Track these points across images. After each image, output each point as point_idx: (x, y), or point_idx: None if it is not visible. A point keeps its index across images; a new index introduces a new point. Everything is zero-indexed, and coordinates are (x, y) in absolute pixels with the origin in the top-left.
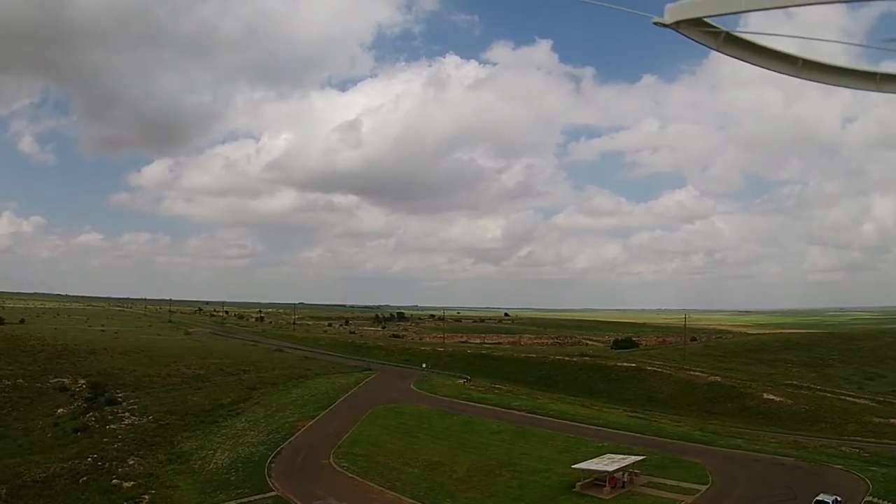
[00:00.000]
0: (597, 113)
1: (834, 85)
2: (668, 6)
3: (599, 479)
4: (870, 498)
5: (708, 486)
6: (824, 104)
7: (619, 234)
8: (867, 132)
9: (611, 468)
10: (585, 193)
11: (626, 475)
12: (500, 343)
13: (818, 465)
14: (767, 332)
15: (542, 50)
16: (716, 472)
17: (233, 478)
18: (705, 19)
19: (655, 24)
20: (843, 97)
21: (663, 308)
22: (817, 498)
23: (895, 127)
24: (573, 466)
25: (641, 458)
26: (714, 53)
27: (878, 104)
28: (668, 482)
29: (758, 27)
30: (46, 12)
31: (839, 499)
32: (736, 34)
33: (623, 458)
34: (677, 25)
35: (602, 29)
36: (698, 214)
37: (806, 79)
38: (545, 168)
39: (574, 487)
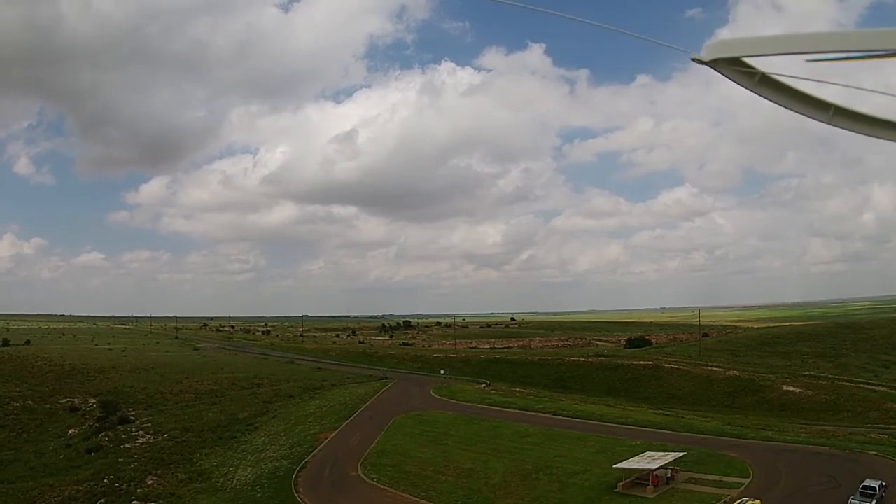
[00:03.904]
0: (593, 115)
1: (867, 135)
2: (707, 45)
3: (641, 478)
4: None
5: (751, 479)
6: (817, 94)
7: (620, 234)
8: None
9: (653, 466)
10: (584, 195)
11: (668, 472)
12: (510, 347)
13: (853, 452)
14: (776, 325)
15: (536, 54)
16: (755, 464)
17: (259, 495)
18: (742, 59)
19: (693, 60)
20: (833, 87)
21: (667, 307)
22: (864, 484)
23: (887, 113)
24: (614, 466)
25: (682, 454)
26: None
27: (873, 92)
28: (710, 477)
29: (794, 71)
30: (40, 34)
31: (884, 483)
32: (771, 76)
33: (664, 456)
34: (715, 63)
35: (595, 32)
36: (698, 212)
37: (837, 126)
38: (543, 172)
39: (616, 488)
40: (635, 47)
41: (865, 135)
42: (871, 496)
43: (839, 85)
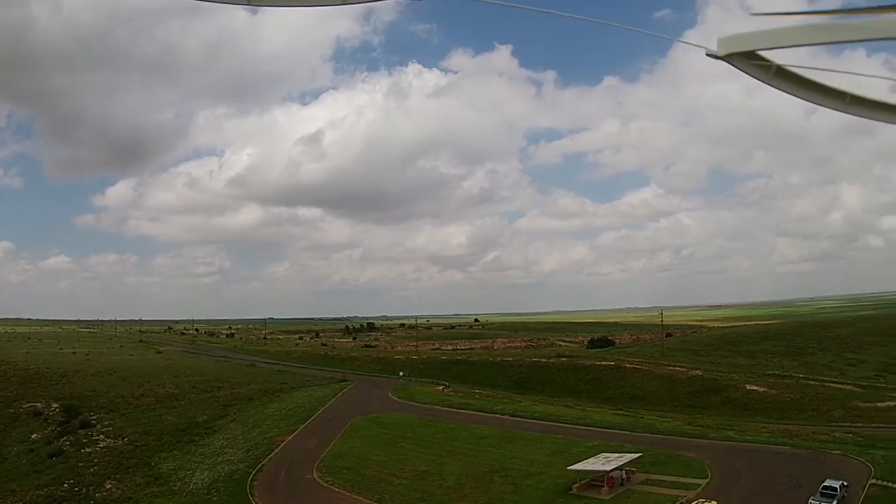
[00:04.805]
0: (559, 116)
1: (883, 121)
2: (720, 39)
3: (596, 480)
4: (874, 480)
5: (708, 480)
6: (787, 95)
7: (585, 235)
8: (832, 121)
9: (608, 467)
10: (550, 196)
11: (623, 474)
12: (473, 348)
13: (816, 451)
14: (741, 324)
15: (503, 56)
16: (714, 465)
17: (214, 498)
18: (757, 52)
19: (708, 55)
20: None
21: (632, 307)
22: (825, 484)
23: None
24: (569, 468)
25: (638, 455)
26: (673, 51)
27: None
28: (667, 478)
29: (809, 62)
30: (10, 36)
31: (846, 483)
32: (787, 68)
33: (619, 457)
34: (730, 58)
35: (562, 33)
36: (664, 212)
37: (854, 114)
38: (509, 173)
39: (571, 489)
40: (602, 48)
41: (882, 121)
42: (832, 496)
43: (851, 74)
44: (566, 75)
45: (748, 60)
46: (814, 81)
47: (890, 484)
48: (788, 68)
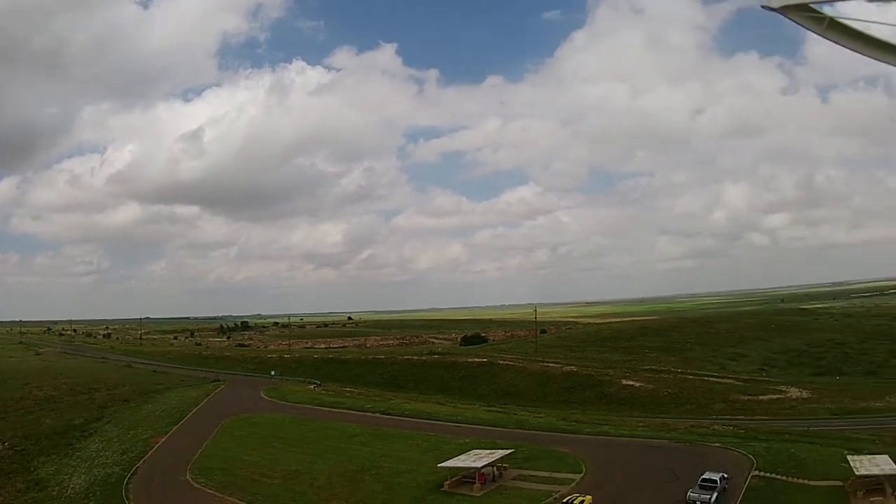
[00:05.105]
0: (440, 114)
1: None
2: None
3: (468, 477)
4: (757, 472)
5: (583, 475)
6: (672, 96)
7: (462, 233)
8: (717, 122)
9: (479, 464)
10: (427, 194)
11: (495, 470)
12: (345, 346)
13: (694, 444)
14: (619, 320)
15: (387, 53)
16: (588, 459)
17: (91, 502)
18: (811, 5)
19: (763, 7)
20: (691, 88)
21: (508, 304)
22: (704, 476)
23: (746, 116)
24: (439, 465)
25: (509, 451)
26: (560, 51)
27: (728, 93)
28: (540, 474)
29: (864, 15)
30: None
31: (726, 476)
32: (840, 20)
33: (490, 453)
34: (784, 10)
35: (447, 31)
36: (541, 210)
37: None
38: (387, 171)
39: (442, 487)
40: (486, 47)
41: None
42: (712, 489)
43: None
44: (449, 74)
45: (801, 12)
46: (867, 35)
47: (772, 475)
48: (842, 20)
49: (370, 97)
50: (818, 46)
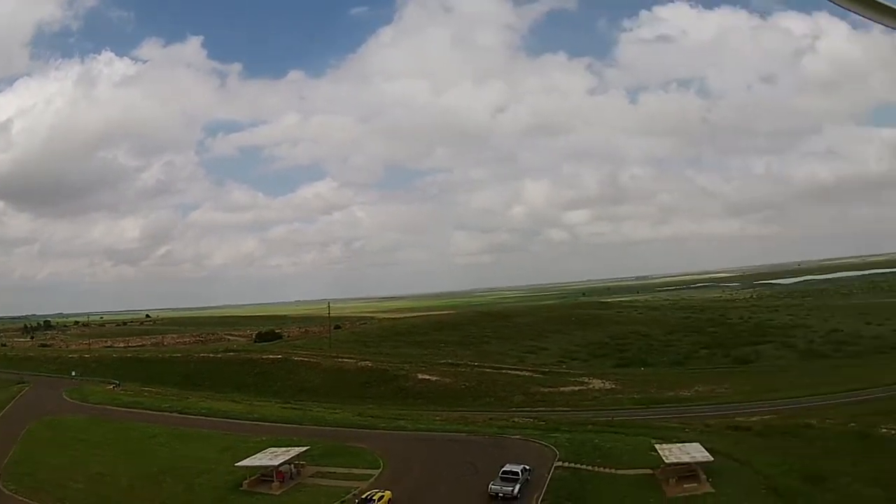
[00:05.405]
0: (240, 109)
1: None
2: None
3: (266, 475)
4: (560, 463)
5: (381, 470)
6: (475, 94)
7: (257, 228)
8: (520, 120)
9: (276, 462)
10: (224, 188)
11: (293, 467)
12: (144, 345)
13: (494, 437)
14: (414, 315)
15: (193, 46)
16: (386, 454)
17: None
18: None
19: None
20: (495, 87)
21: (303, 300)
22: (504, 468)
23: (547, 114)
24: (236, 464)
25: (305, 448)
26: (364, 47)
27: (533, 92)
28: (338, 470)
29: None
30: None
31: (527, 467)
32: None
33: (287, 451)
34: None
35: (254, 24)
36: (337, 205)
37: None
38: (185, 165)
39: (242, 486)
40: (290, 42)
41: None
42: (514, 481)
43: None
44: (253, 68)
45: None
46: (889, 6)
47: (577, 465)
48: None
49: (173, 90)
50: (630, 48)
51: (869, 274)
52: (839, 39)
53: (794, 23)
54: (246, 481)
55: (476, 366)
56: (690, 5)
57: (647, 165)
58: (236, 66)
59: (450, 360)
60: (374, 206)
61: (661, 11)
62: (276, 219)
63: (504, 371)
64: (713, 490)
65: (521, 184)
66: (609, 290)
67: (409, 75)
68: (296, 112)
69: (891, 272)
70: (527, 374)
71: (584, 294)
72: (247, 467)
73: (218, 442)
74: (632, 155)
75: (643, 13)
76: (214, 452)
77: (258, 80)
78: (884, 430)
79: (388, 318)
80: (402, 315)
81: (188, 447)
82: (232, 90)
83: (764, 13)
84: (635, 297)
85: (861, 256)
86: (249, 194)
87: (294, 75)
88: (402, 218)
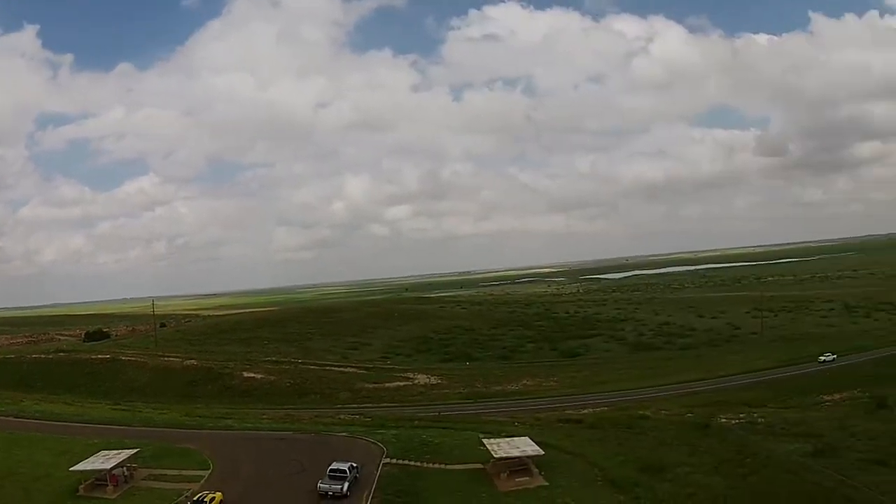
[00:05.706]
0: (70, 101)
1: None
2: None
3: (101, 479)
4: (388, 459)
5: (211, 471)
6: (298, 89)
7: (84, 224)
8: (341, 115)
9: (108, 465)
10: (53, 183)
11: (125, 470)
12: None
13: (320, 434)
14: (237, 312)
15: (29, 36)
16: (214, 455)
17: None
18: None
19: None
20: (318, 82)
21: (129, 297)
22: (332, 466)
23: (370, 110)
24: (71, 469)
25: (135, 451)
26: (192, 40)
27: (356, 88)
28: (169, 472)
29: None
30: None
31: (354, 464)
32: None
33: (118, 454)
34: None
35: (87, 15)
36: (160, 201)
37: None
38: (15, 159)
39: (78, 491)
40: (121, 33)
41: None
42: (342, 479)
43: None
44: (84, 59)
45: None
46: None
47: (405, 461)
48: None
49: (6, 81)
50: (457, 46)
51: (701, 269)
52: (675, 42)
53: (627, 25)
54: (82, 486)
55: (300, 363)
56: (522, 6)
57: (470, 162)
58: (69, 58)
59: (274, 358)
60: (196, 202)
61: (490, 11)
62: (102, 214)
63: (328, 368)
64: (547, 483)
65: (343, 179)
66: (431, 286)
67: (235, 69)
68: (123, 105)
69: (722, 267)
70: (352, 370)
71: (406, 290)
72: (81, 471)
73: (53, 446)
74: (455, 152)
75: (472, 12)
76: (51, 456)
77: (89, 72)
78: (723, 420)
79: (213, 316)
80: (227, 312)
81: (25, 452)
82: (63, 82)
83: (597, 15)
84: (458, 293)
85: (693, 252)
86: (77, 189)
87: (123, 67)
88: (225, 213)
